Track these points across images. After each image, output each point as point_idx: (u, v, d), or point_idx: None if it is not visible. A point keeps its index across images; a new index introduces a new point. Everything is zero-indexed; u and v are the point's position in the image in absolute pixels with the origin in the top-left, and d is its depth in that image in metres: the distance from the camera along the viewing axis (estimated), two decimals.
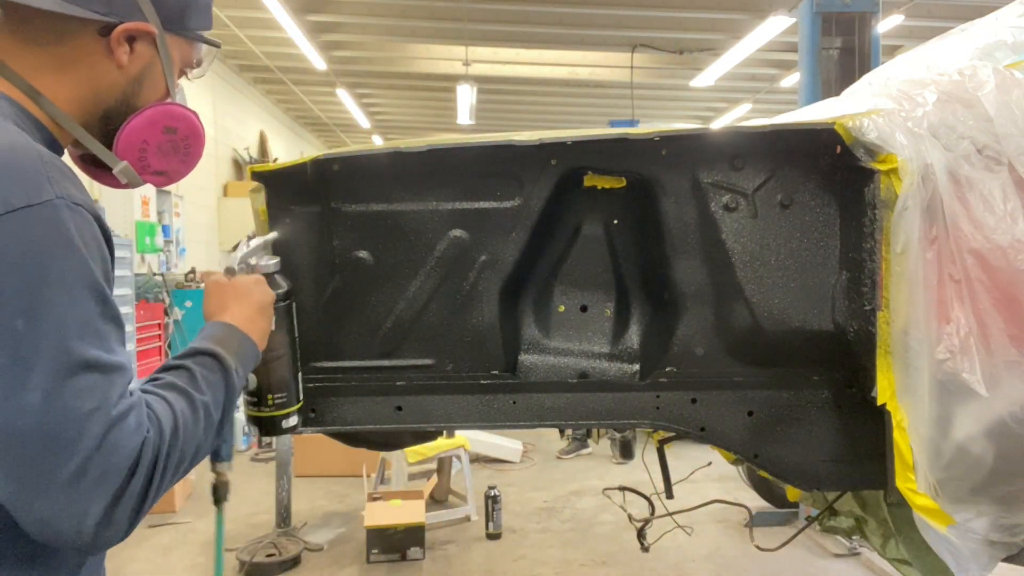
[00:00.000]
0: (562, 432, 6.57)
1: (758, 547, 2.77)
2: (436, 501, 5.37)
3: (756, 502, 4.17)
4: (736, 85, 12.36)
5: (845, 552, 4.26)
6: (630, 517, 2.63)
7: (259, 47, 10.49)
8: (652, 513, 2.61)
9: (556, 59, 11.09)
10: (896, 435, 1.74)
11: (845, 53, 6.11)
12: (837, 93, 2.82)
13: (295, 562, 4.26)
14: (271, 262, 1.47)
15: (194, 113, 1.16)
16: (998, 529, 1.76)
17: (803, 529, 2.82)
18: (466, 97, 11.48)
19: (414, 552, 4.36)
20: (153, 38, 1.08)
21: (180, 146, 1.15)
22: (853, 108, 1.94)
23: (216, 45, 1.20)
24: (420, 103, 14.60)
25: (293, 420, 1.47)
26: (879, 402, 1.76)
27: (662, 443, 2.55)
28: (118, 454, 0.86)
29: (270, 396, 1.46)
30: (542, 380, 2.04)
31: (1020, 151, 1.75)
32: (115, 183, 1.15)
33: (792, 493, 2.73)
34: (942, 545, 1.75)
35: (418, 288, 1.94)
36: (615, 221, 2.06)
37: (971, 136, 1.76)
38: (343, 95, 12.94)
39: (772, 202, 1.92)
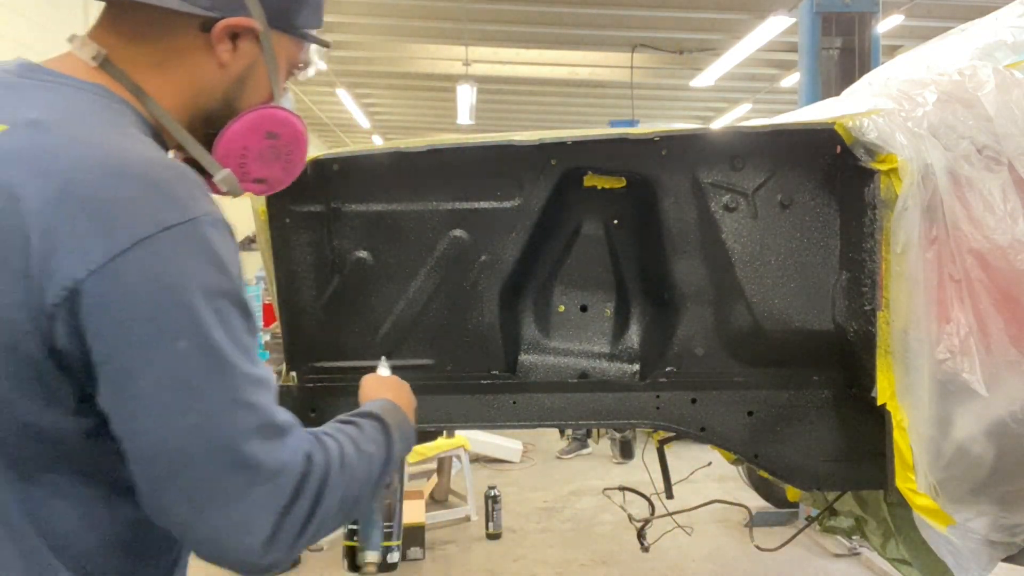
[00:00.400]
0: (562, 432, 6.57)
1: (758, 547, 2.77)
2: (436, 501, 5.37)
3: (756, 502, 4.18)
4: (736, 85, 12.35)
5: (845, 552, 4.25)
6: (630, 517, 2.63)
7: None
8: (652, 513, 2.61)
9: (556, 59, 11.09)
10: (896, 435, 1.74)
11: (845, 53, 6.11)
12: (837, 93, 2.82)
13: (295, 562, 4.26)
14: None
15: (298, 118, 1.09)
16: (998, 529, 1.76)
17: (803, 529, 2.82)
18: (466, 97, 11.47)
19: (414, 552, 4.36)
20: (257, 35, 1.00)
21: (282, 152, 1.08)
22: (853, 108, 1.94)
23: (326, 45, 1.13)
24: (420, 103, 14.60)
25: (396, 556, 1.43)
26: (879, 402, 1.76)
27: (662, 443, 2.55)
28: (285, 472, 0.86)
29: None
30: (542, 380, 2.04)
31: (1020, 151, 1.75)
32: (215, 191, 1.05)
33: (792, 493, 2.73)
34: (942, 545, 1.76)
35: (418, 288, 1.94)
36: (615, 221, 2.06)
37: (971, 136, 1.76)
38: (343, 95, 12.93)
39: (772, 202, 1.92)
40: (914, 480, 1.72)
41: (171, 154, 1.04)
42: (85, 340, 0.80)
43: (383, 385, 1.29)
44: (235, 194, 1.07)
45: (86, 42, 0.97)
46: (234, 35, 0.99)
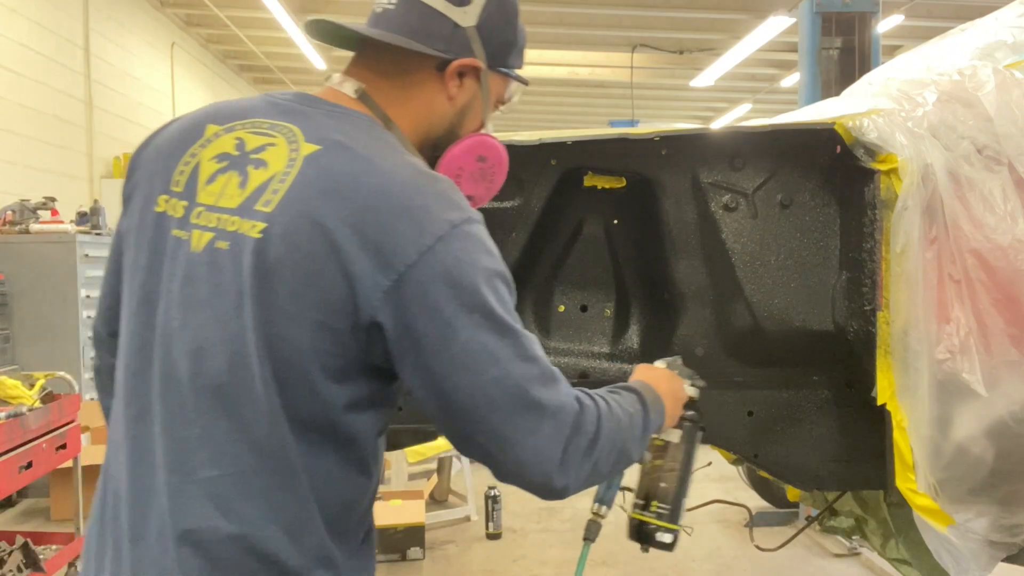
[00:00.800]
0: None
1: (758, 547, 2.77)
2: (436, 501, 5.36)
3: (756, 502, 4.18)
4: (736, 85, 12.36)
5: (845, 552, 4.25)
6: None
7: (259, 47, 10.48)
8: None
9: (556, 59, 11.09)
10: (896, 435, 1.74)
11: (845, 53, 6.11)
12: (837, 93, 2.82)
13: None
14: (692, 391, 1.54)
15: (501, 144, 1.27)
16: (998, 529, 1.76)
17: (803, 529, 2.82)
18: None
19: (414, 552, 4.36)
20: (479, 74, 1.19)
21: (488, 174, 1.27)
22: (853, 108, 1.94)
23: (525, 83, 1.30)
24: None
25: (668, 537, 1.53)
26: (879, 402, 1.76)
27: None
28: (563, 410, 1.05)
29: (655, 503, 1.54)
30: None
31: (1020, 151, 1.75)
32: None
33: (792, 493, 2.73)
34: (942, 545, 1.75)
35: None
36: (615, 221, 2.06)
37: (971, 136, 1.76)
38: None
39: (772, 202, 1.92)
40: (914, 480, 1.72)
41: None
42: (404, 320, 0.98)
43: (647, 372, 1.43)
44: None
45: (347, 79, 1.17)
46: (461, 73, 1.18)
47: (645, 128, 1.94)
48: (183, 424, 1.03)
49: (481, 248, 1.04)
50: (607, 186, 1.98)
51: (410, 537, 4.36)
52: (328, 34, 1.22)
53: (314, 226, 0.99)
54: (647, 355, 2.09)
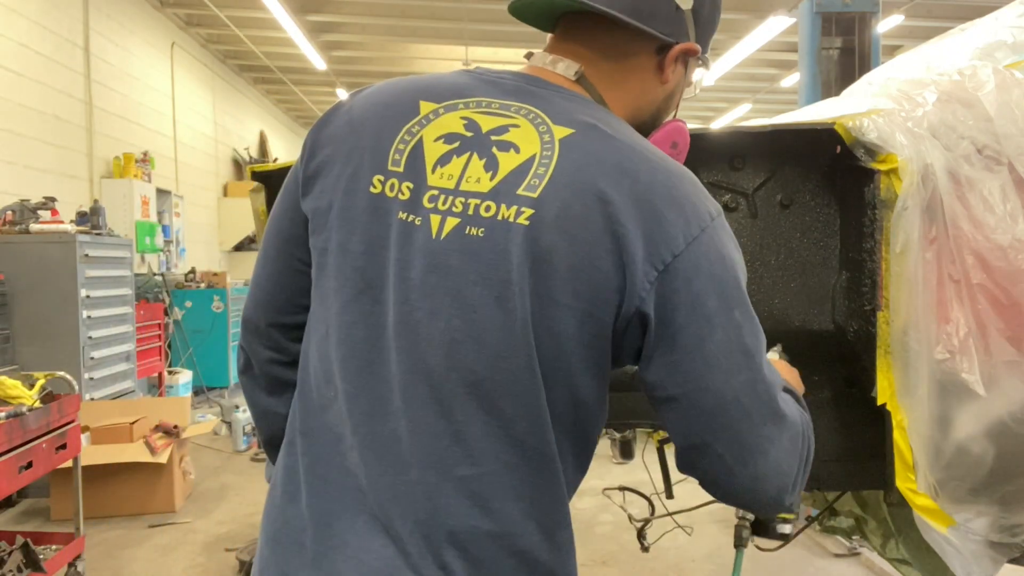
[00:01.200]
0: None
1: (758, 547, 2.76)
2: None
3: None
4: (736, 85, 12.35)
5: (845, 552, 4.25)
6: (630, 517, 2.63)
7: (259, 47, 10.48)
8: (652, 513, 2.61)
9: None
10: (896, 435, 1.74)
11: (845, 53, 6.11)
12: (837, 93, 2.82)
13: None
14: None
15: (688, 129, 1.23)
16: (998, 530, 1.76)
17: (803, 529, 2.82)
18: None
19: None
20: (688, 59, 1.14)
21: (675, 159, 1.18)
22: (853, 108, 1.94)
23: (707, 68, 1.24)
24: None
25: (787, 528, 1.52)
26: (879, 402, 1.76)
27: (662, 443, 2.55)
28: (796, 422, 1.01)
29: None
30: None
31: (1020, 151, 1.75)
32: None
33: None
34: (943, 546, 1.75)
35: None
36: None
37: (971, 136, 1.76)
38: (343, 95, 12.94)
39: (772, 202, 1.92)
40: (914, 480, 1.72)
41: None
42: (665, 312, 0.94)
43: (784, 371, 1.36)
44: None
45: (562, 59, 1.10)
46: (678, 58, 1.12)
47: None
48: (436, 419, 0.96)
49: (734, 242, 1.00)
50: None
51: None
52: (528, 8, 1.13)
53: (595, 202, 0.94)
54: None
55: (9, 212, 5.33)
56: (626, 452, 6.57)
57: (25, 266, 5.16)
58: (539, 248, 0.93)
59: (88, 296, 5.36)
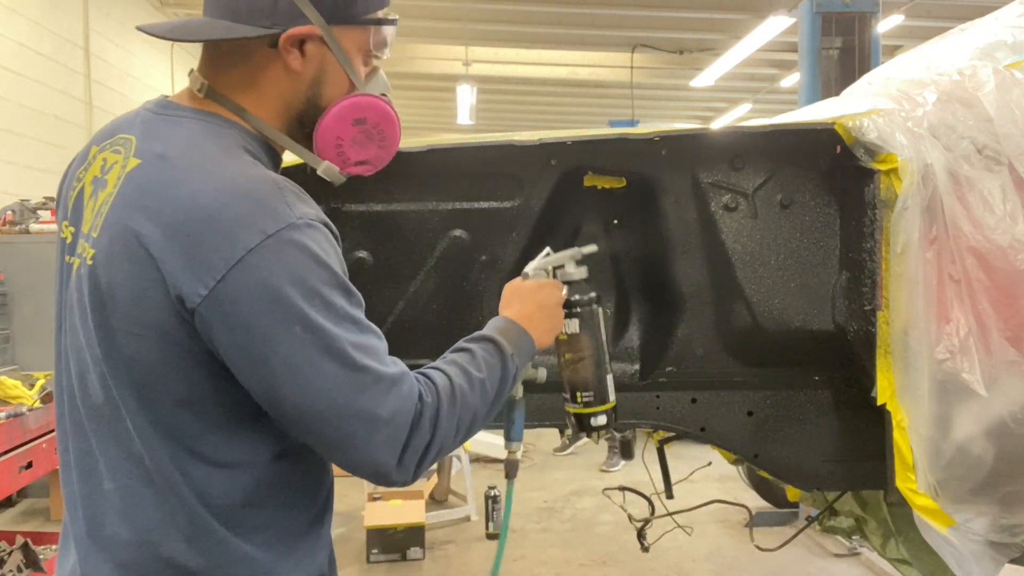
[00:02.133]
0: (561, 432, 6.56)
1: (758, 547, 2.77)
2: (436, 501, 5.36)
3: (756, 502, 4.17)
4: (736, 85, 12.36)
5: (845, 552, 4.25)
6: (630, 517, 2.62)
7: None
8: (652, 513, 2.61)
9: (556, 59, 11.08)
10: (896, 435, 1.74)
11: (845, 53, 6.11)
12: (837, 93, 2.82)
13: None
14: (575, 271, 1.52)
15: (380, 97, 1.18)
16: (998, 530, 1.76)
17: (803, 529, 2.82)
18: (466, 97, 11.47)
19: (414, 552, 4.36)
20: (320, 38, 1.11)
21: (374, 134, 1.18)
22: (853, 108, 1.94)
23: (392, 22, 1.19)
24: (420, 103, 14.59)
25: (601, 419, 1.55)
26: (879, 402, 1.76)
27: (662, 443, 2.55)
28: (398, 416, 1.04)
29: (578, 394, 1.53)
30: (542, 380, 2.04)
31: (1020, 151, 1.75)
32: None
33: (792, 493, 2.73)
34: (943, 546, 1.75)
35: (418, 288, 1.93)
36: (615, 221, 2.06)
37: (971, 136, 1.76)
38: None
39: (772, 202, 1.92)
40: (914, 480, 1.72)
41: (285, 156, 1.21)
42: (223, 335, 0.98)
43: (513, 296, 1.38)
44: (338, 181, 1.21)
45: (195, 76, 1.13)
46: (299, 43, 1.10)
47: (645, 128, 1.94)
48: (84, 439, 1.09)
49: (303, 256, 1.00)
50: (607, 186, 1.98)
51: (410, 537, 4.36)
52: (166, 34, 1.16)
53: (132, 237, 1.00)
54: (647, 355, 2.08)
55: (9, 212, 5.33)
56: (626, 452, 6.55)
57: (25, 266, 5.16)
58: (101, 287, 1.02)
59: None
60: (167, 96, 1.17)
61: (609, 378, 1.54)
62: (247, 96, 1.12)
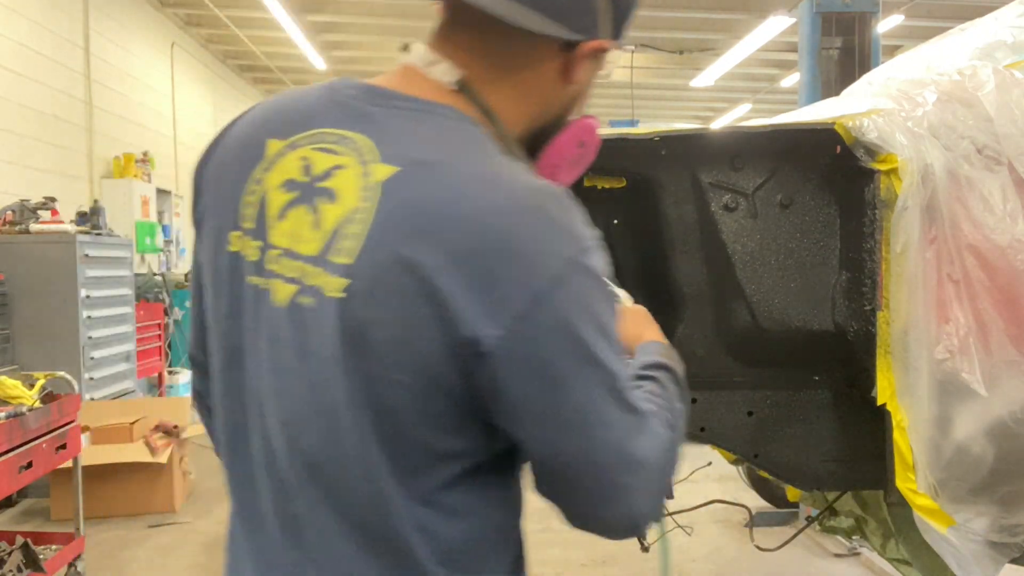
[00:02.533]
0: None
1: (758, 547, 2.77)
2: None
3: (756, 502, 4.18)
4: (736, 85, 12.36)
5: (845, 552, 4.25)
6: None
7: (259, 47, 10.48)
8: None
9: None
10: (896, 435, 1.74)
11: (845, 53, 6.10)
12: (837, 93, 2.82)
13: None
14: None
15: (598, 123, 1.09)
16: (998, 530, 1.76)
17: (803, 529, 2.82)
18: None
19: None
20: (602, 53, 0.98)
21: (583, 159, 1.07)
22: (853, 108, 1.94)
23: (622, 49, 1.09)
24: None
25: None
26: (879, 402, 1.76)
27: None
28: (654, 458, 0.93)
29: None
30: None
31: (1020, 151, 1.75)
32: None
33: (792, 493, 2.73)
34: (943, 547, 1.75)
35: None
36: (615, 221, 2.06)
37: (971, 136, 1.76)
38: None
39: (772, 202, 1.92)
40: (914, 480, 1.72)
41: None
42: (511, 380, 0.83)
43: (640, 319, 1.29)
44: None
45: (440, 60, 0.94)
46: (590, 55, 0.97)
47: (645, 128, 1.94)
48: (289, 499, 0.91)
49: (597, 285, 0.88)
50: (607, 186, 1.98)
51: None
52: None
53: (405, 273, 0.81)
54: None
55: (9, 212, 5.33)
56: None
57: (25, 266, 5.16)
58: (356, 323, 0.83)
59: (88, 296, 5.36)
60: (363, 80, 0.96)
61: None
62: (501, 95, 0.95)
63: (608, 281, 0.93)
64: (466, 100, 0.93)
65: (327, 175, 0.87)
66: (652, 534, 2.60)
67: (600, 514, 0.92)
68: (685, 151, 1.90)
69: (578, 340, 0.84)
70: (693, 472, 2.95)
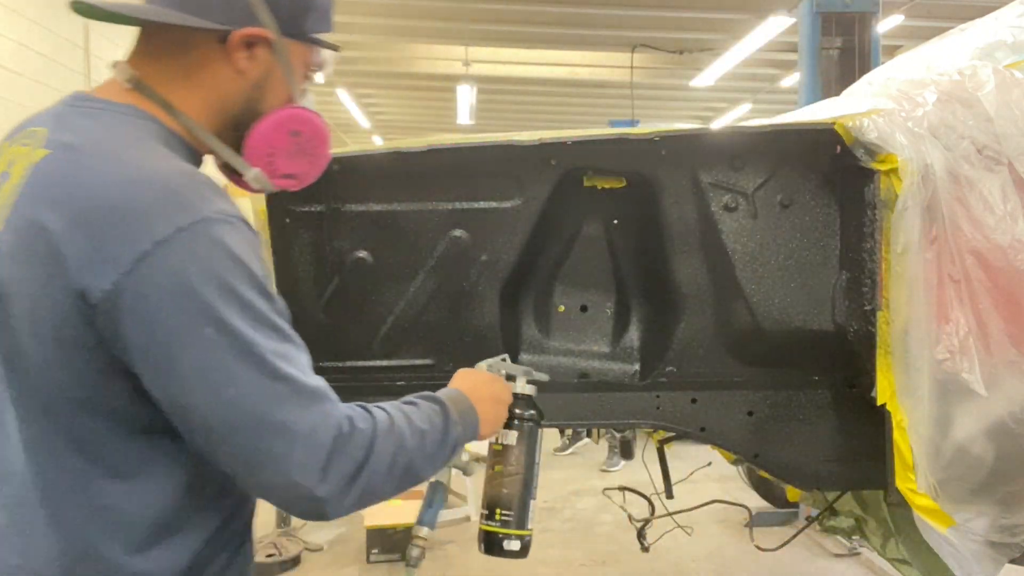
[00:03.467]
0: (562, 432, 6.56)
1: (758, 547, 2.77)
2: None
3: (756, 502, 4.17)
4: (736, 85, 12.35)
5: (845, 552, 4.25)
6: (630, 517, 2.63)
7: None
8: (652, 513, 2.61)
9: (556, 59, 11.08)
10: (896, 435, 1.74)
11: (845, 53, 6.12)
12: (837, 93, 2.82)
13: (295, 562, 4.26)
14: (525, 387, 1.49)
15: (317, 115, 1.18)
16: (998, 530, 1.76)
17: (803, 529, 2.82)
18: (466, 97, 11.48)
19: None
20: (270, 43, 1.08)
21: (306, 148, 1.16)
22: (853, 108, 1.94)
23: (334, 48, 1.19)
24: (420, 103, 14.59)
25: (515, 544, 1.45)
26: (879, 402, 1.76)
27: (662, 443, 2.55)
28: (320, 433, 0.96)
29: (498, 511, 1.45)
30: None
31: (1020, 151, 1.75)
32: (249, 189, 1.19)
33: (792, 493, 2.73)
34: (943, 547, 1.75)
35: (418, 288, 1.94)
36: (615, 221, 2.06)
37: (971, 136, 1.76)
38: (343, 95, 12.93)
39: (772, 202, 1.92)
40: (914, 480, 1.72)
41: (211, 159, 1.16)
42: (128, 333, 0.91)
43: (465, 379, 1.34)
44: (267, 190, 1.18)
45: (122, 67, 1.07)
46: (249, 44, 1.07)
47: (645, 128, 1.94)
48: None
49: (220, 252, 0.93)
50: (607, 186, 1.98)
51: (410, 537, 4.36)
52: (102, 14, 1.11)
53: (33, 236, 0.93)
54: (647, 355, 2.09)
55: None
56: (626, 452, 6.56)
57: None
58: (3, 284, 0.95)
59: None
60: (84, 91, 1.10)
61: (532, 504, 1.47)
62: (179, 92, 1.07)
63: (246, 257, 0.96)
64: (144, 97, 1.06)
65: (15, 163, 1.02)
66: (649, 536, 2.61)
67: (257, 480, 0.96)
68: (685, 151, 1.90)
69: (194, 300, 0.91)
70: (693, 472, 2.95)
